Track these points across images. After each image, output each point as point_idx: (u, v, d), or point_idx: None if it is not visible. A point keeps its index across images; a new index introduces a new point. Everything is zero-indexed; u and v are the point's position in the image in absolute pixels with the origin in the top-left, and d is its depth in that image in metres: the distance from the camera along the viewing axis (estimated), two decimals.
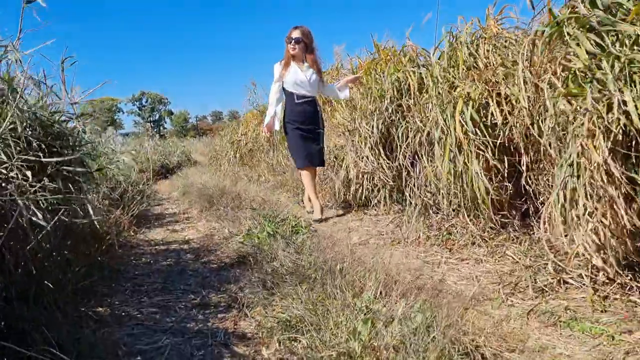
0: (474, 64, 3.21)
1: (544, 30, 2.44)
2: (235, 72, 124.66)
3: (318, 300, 2.00)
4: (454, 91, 3.05)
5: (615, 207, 1.87)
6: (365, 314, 1.79)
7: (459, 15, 3.61)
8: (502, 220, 2.89)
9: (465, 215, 2.99)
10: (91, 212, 1.80)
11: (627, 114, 1.82)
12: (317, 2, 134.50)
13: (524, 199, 2.89)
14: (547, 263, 2.29)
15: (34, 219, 1.36)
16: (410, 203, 3.49)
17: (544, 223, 2.29)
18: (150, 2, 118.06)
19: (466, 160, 2.81)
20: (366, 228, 3.71)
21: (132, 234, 3.94)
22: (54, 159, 1.62)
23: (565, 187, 2.08)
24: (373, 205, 4.13)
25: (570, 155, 2.05)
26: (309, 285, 2.20)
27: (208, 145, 19.50)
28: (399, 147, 3.68)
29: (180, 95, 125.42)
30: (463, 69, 3.16)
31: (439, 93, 3.16)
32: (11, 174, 1.50)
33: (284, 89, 4.19)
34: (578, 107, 2.00)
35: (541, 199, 2.71)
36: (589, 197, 1.96)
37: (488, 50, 3.16)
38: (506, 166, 2.82)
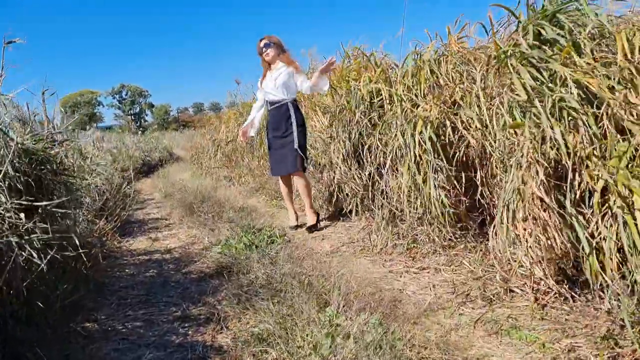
0: (436, 82, 3.43)
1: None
2: (217, 63, 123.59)
3: (287, 314, 2.22)
4: (416, 109, 3.26)
5: (548, 229, 2.12)
6: (327, 328, 2.01)
7: (425, 29, 3.83)
8: (461, 230, 3.13)
9: (428, 225, 3.22)
10: (77, 243, 1.98)
11: (558, 148, 2.06)
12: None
13: (480, 211, 3.13)
14: (497, 273, 2.53)
15: (30, 257, 1.55)
16: (379, 212, 3.71)
17: (492, 238, 2.53)
18: None
19: (424, 177, 3.03)
20: (339, 235, 3.93)
21: (116, 243, 4.11)
22: (44, 203, 1.80)
23: (508, 208, 2.32)
24: (346, 212, 4.34)
25: (512, 180, 2.29)
26: (280, 299, 2.41)
27: (190, 139, 19.51)
28: (368, 158, 3.89)
29: (161, 88, 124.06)
30: (425, 88, 3.38)
31: (403, 110, 3.38)
32: (7, 214, 1.68)
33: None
34: (518, 140, 2.23)
35: (495, 211, 2.95)
36: (527, 219, 2.20)
37: (448, 70, 3.37)
38: (464, 181, 3.05)
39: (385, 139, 3.63)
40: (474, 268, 2.76)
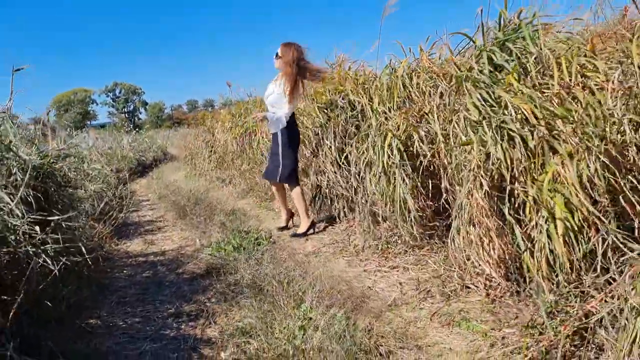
0: (408, 96, 3.74)
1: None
2: (211, 59, 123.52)
3: (268, 310, 2.53)
4: (388, 122, 3.58)
5: (490, 234, 2.44)
6: (301, 322, 2.33)
7: (401, 45, 4.13)
8: (429, 232, 3.45)
9: (401, 227, 3.53)
10: (84, 251, 2.29)
11: (500, 164, 2.37)
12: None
13: (447, 214, 3.45)
14: (455, 272, 2.85)
15: (45, 264, 1.86)
16: (359, 214, 4.03)
17: (451, 240, 2.85)
18: None
19: (394, 184, 3.35)
20: (321, 236, 4.24)
21: (113, 246, 4.41)
22: (55, 217, 2.10)
23: (461, 214, 2.64)
24: (332, 215, 4.65)
25: (463, 191, 2.61)
26: (262, 296, 2.73)
27: (184, 137, 19.72)
28: (350, 165, 4.21)
29: (155, 85, 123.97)
30: (398, 101, 3.69)
31: (377, 122, 3.69)
32: (23, 227, 1.98)
33: None
34: (467, 156, 2.55)
35: None
36: (476, 225, 2.52)
37: (418, 84, 3.68)
38: (430, 187, 3.37)
39: (362, 147, 3.94)
40: (437, 267, 3.08)
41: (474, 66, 2.78)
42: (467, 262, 2.73)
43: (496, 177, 2.42)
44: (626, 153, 2.05)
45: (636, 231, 1.90)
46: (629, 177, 2.00)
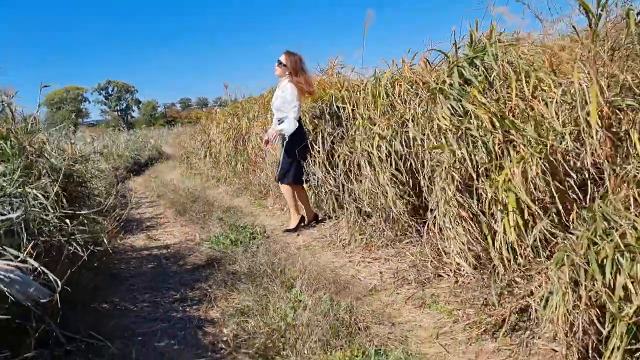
0: (391, 103, 4.10)
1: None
2: (204, 57, 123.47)
3: (263, 294, 2.89)
4: (374, 126, 3.94)
5: (463, 224, 2.81)
6: (292, 303, 2.69)
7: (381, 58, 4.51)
8: (409, 226, 3.81)
9: (383, 222, 3.90)
10: (105, 241, 2.64)
11: (465, 164, 2.75)
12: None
13: (425, 211, 3.82)
14: (429, 262, 3.22)
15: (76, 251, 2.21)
16: (347, 211, 4.39)
17: (427, 233, 3.22)
18: None
19: (381, 182, 3.71)
20: (312, 231, 4.61)
21: (119, 240, 4.74)
22: (83, 212, 2.45)
23: (437, 209, 3.01)
24: (322, 211, 5.00)
25: (437, 188, 2.98)
26: (258, 283, 3.09)
27: (178, 136, 20.00)
28: (338, 165, 4.56)
29: (148, 83, 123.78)
30: (382, 108, 4.05)
31: (364, 127, 4.05)
32: (53, 221, 2.33)
33: None
34: (439, 158, 2.92)
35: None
36: (450, 217, 2.89)
37: (401, 93, 4.05)
38: (411, 185, 3.73)
39: (350, 149, 4.30)
40: (414, 258, 3.44)
41: (446, 80, 3.14)
42: (441, 252, 3.10)
43: (464, 175, 2.79)
44: (568, 158, 2.43)
45: (571, 223, 2.27)
46: (568, 179, 2.38)
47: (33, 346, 1.74)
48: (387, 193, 3.63)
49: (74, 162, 3.18)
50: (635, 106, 2.22)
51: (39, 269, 1.42)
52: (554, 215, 2.36)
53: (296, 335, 2.36)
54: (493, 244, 2.65)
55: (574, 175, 2.38)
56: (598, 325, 1.77)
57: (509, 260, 2.46)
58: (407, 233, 3.82)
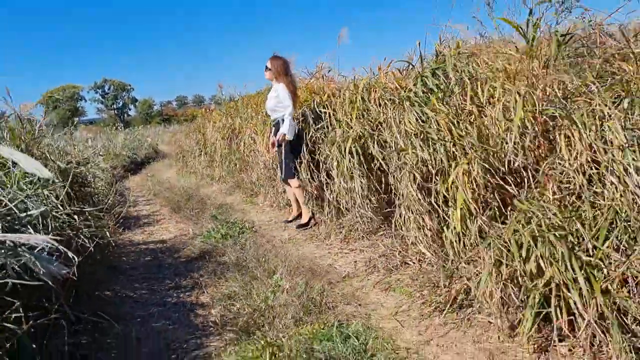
0: (366, 108, 4.48)
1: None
2: (200, 55, 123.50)
3: (248, 281, 3.27)
4: (350, 130, 4.31)
5: (422, 217, 3.19)
6: (273, 287, 3.07)
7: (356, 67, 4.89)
8: (382, 221, 4.19)
9: (359, 217, 4.28)
10: (108, 234, 3.01)
11: (425, 163, 3.12)
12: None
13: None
14: (397, 251, 3.60)
15: (84, 243, 2.57)
16: (327, 207, 4.77)
17: (394, 226, 3.60)
18: None
19: (355, 181, 4.09)
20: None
21: (118, 236, 5.11)
22: (88, 209, 2.81)
23: (402, 205, 3.38)
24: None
25: (402, 186, 3.36)
26: (244, 271, 3.46)
27: (174, 135, 20.33)
28: (319, 167, 4.94)
29: (144, 81, 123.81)
30: (357, 113, 4.42)
31: (342, 130, 4.43)
32: (62, 217, 2.69)
33: None
34: (404, 159, 3.29)
35: None
36: (411, 211, 3.27)
37: (376, 99, 4.42)
38: (384, 183, 4.11)
39: (329, 150, 4.67)
40: (385, 248, 3.82)
41: (412, 88, 3.52)
42: (407, 242, 3.48)
43: (425, 174, 3.17)
44: (508, 159, 2.80)
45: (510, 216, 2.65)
46: (508, 177, 2.76)
47: (52, 322, 2.09)
48: (360, 190, 4.00)
49: (77, 164, 3.53)
50: (560, 113, 2.59)
51: (58, 247, 1.76)
52: (496, 209, 2.74)
53: (274, 314, 2.74)
54: (445, 234, 3.04)
55: (511, 174, 2.75)
56: (514, 297, 2.15)
57: (457, 249, 2.84)
58: (382, 226, 4.20)
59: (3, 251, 1.56)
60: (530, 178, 2.59)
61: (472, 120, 3.07)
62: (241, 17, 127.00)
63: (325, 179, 4.86)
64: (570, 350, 2.13)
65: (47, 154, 3.33)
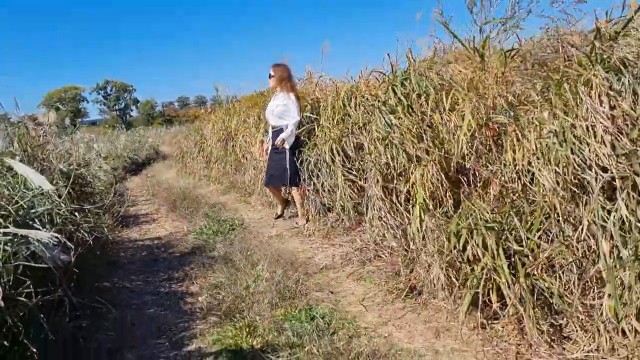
0: (347, 113, 4.82)
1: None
2: (202, 56, 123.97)
3: (233, 272, 3.61)
4: (331, 132, 4.65)
5: (387, 214, 3.53)
6: (254, 277, 3.41)
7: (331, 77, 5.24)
8: (360, 217, 4.53)
9: (342, 214, 4.61)
10: (106, 231, 3.35)
11: (388, 165, 3.46)
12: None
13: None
14: (370, 246, 3.94)
15: (84, 237, 2.92)
16: (311, 205, 5.11)
17: (368, 222, 3.94)
18: None
19: (336, 180, 4.43)
20: (284, 224, 5.32)
21: (117, 233, 5.46)
22: (88, 207, 3.16)
23: (371, 203, 3.72)
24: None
25: (369, 185, 3.69)
26: (231, 264, 3.80)
27: (175, 136, 20.66)
28: (305, 166, 5.27)
29: (146, 82, 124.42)
30: (338, 116, 4.76)
31: (323, 134, 4.77)
32: (65, 214, 3.04)
33: None
34: (372, 161, 3.63)
35: None
36: (377, 208, 3.60)
37: (356, 105, 4.75)
38: (360, 182, 4.45)
39: (312, 152, 5.02)
40: (362, 243, 4.16)
41: (382, 97, 3.86)
42: (380, 237, 3.82)
43: (388, 176, 3.51)
44: (462, 162, 3.14)
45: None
46: (464, 177, 3.10)
47: (56, 299, 2.43)
48: (339, 188, 4.34)
49: (78, 166, 3.88)
50: (506, 121, 2.93)
51: (62, 240, 2.10)
52: (451, 207, 3.07)
53: (253, 300, 3.08)
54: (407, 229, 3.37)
55: (465, 175, 3.09)
56: (455, 281, 2.49)
57: (417, 241, 3.17)
58: (361, 223, 4.54)
59: (16, 240, 1.90)
60: (477, 179, 2.92)
61: (430, 126, 3.41)
62: (241, 17, 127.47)
63: (311, 178, 5.20)
64: (502, 327, 2.46)
65: (51, 159, 3.68)
